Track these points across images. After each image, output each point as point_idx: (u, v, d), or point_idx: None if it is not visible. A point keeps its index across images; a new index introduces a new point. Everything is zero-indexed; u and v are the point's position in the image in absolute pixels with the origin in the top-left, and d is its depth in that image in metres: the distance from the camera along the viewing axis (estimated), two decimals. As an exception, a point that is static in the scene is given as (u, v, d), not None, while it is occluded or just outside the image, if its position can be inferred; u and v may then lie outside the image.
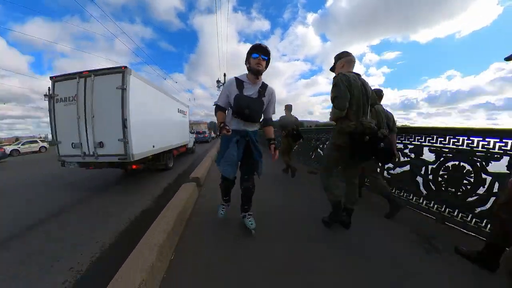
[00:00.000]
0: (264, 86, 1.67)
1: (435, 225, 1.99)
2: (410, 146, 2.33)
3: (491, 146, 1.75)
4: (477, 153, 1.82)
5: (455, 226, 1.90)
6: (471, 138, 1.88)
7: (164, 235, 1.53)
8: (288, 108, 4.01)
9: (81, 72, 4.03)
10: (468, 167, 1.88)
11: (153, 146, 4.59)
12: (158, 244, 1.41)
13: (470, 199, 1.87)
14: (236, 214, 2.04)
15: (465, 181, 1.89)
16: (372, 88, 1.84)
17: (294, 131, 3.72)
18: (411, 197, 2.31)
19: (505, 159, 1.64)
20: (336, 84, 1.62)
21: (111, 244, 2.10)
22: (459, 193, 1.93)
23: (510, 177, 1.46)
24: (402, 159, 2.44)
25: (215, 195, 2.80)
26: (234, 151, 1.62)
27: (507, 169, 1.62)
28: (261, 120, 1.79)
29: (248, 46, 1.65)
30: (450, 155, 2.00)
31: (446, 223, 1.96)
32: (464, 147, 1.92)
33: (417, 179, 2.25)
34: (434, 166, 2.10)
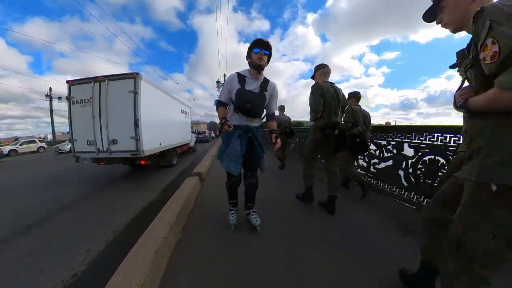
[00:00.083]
0: (266, 81, 1.62)
1: (415, 214, 2.13)
2: (392, 143, 2.55)
3: (461, 141, 1.95)
4: (449, 148, 2.02)
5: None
6: (444, 135, 2.09)
7: (168, 226, 1.63)
8: (281, 108, 4.47)
9: (96, 77, 4.35)
10: (442, 160, 2.08)
11: (160, 144, 4.92)
12: (167, 227, 1.58)
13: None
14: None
15: (440, 173, 2.09)
16: (355, 90, 2.28)
17: (287, 129, 4.07)
18: (394, 189, 2.51)
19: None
20: (312, 92, 2.00)
21: (123, 229, 2.32)
22: (435, 184, 2.13)
23: None
24: (386, 154, 2.65)
25: (215, 188, 3.02)
26: (237, 146, 1.57)
27: None
28: (263, 115, 1.75)
29: (248, 46, 1.61)
30: (427, 150, 2.20)
31: None
32: (439, 142, 2.12)
33: (399, 172, 2.45)
34: (413, 160, 2.31)
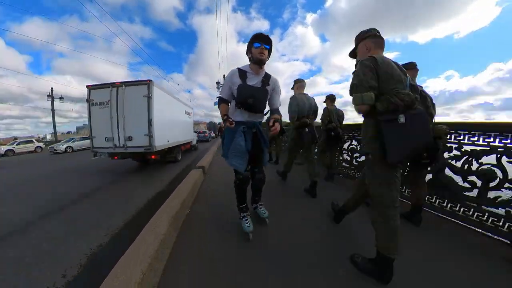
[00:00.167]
0: (267, 76, 1.57)
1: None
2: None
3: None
4: None
5: (403, 200, 2.28)
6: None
7: (177, 207, 1.88)
8: None
9: (114, 83, 4.96)
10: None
11: (168, 141, 5.51)
12: (174, 211, 1.80)
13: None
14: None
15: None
16: (331, 93, 3.15)
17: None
18: None
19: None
20: (290, 103, 2.52)
21: (138, 212, 2.81)
22: (405, 173, 2.36)
23: (440, 161, 1.88)
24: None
25: (217, 179, 3.53)
26: (241, 141, 1.50)
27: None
28: (266, 111, 1.70)
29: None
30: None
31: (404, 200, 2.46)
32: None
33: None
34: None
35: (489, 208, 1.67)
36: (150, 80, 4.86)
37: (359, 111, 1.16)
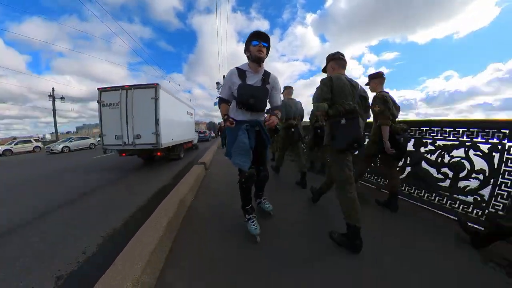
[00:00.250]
0: (267, 74, 1.53)
1: (375, 191, 2.54)
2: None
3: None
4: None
5: (384, 190, 2.49)
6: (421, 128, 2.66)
7: (183, 195, 2.08)
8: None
9: (123, 86, 5.24)
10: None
11: (172, 139, 5.79)
12: (180, 198, 2.03)
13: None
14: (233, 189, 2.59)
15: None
16: None
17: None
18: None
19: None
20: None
21: (149, 199, 3.10)
22: (378, 164, 2.63)
23: (416, 155, 2.14)
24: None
25: (217, 175, 3.77)
26: (245, 138, 1.44)
27: (413, 148, 2.27)
28: (267, 109, 1.67)
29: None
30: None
31: (382, 190, 2.53)
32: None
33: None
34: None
35: (459, 197, 1.84)
36: (157, 84, 5.14)
37: (316, 115, 1.51)
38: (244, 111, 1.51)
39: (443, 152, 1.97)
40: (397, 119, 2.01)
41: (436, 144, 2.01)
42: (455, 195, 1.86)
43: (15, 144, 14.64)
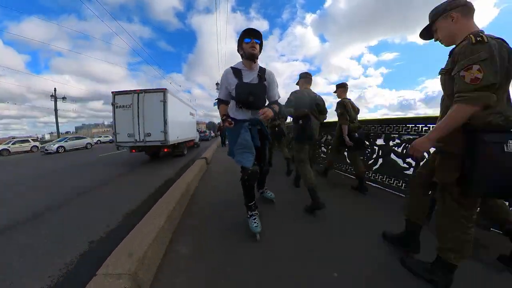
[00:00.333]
0: (262, 70, 1.50)
1: (352, 179, 2.82)
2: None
3: (377, 130, 2.72)
4: (371, 133, 2.80)
5: (350, 176, 2.97)
6: (375, 125, 3.02)
7: (182, 190, 2.17)
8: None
9: (135, 90, 5.69)
10: (367, 142, 2.83)
11: (177, 137, 6.25)
12: (187, 182, 2.49)
13: (370, 162, 2.81)
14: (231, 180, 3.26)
15: (366, 152, 2.88)
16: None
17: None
18: (339, 164, 3.53)
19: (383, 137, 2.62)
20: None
21: (157, 189, 3.45)
22: (362, 158, 2.96)
23: (386, 148, 2.48)
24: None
25: (216, 168, 4.13)
26: (247, 136, 1.43)
27: (383, 142, 2.64)
28: (266, 105, 1.61)
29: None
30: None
31: (351, 176, 2.80)
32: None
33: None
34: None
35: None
36: (165, 89, 5.64)
37: (288, 117, 1.95)
38: (244, 110, 1.49)
39: (407, 145, 2.30)
40: (384, 117, 2.45)
41: (402, 138, 2.35)
42: (417, 181, 2.18)
43: (12, 144, 14.04)
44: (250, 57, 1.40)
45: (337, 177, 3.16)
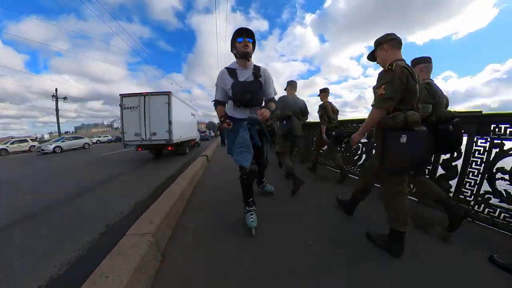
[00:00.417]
0: (257, 68, 1.50)
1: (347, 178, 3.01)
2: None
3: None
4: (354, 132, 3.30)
5: (352, 176, 3.01)
6: (353, 124, 3.23)
7: (188, 179, 2.54)
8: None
9: (141, 93, 6.00)
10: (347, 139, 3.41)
11: (180, 136, 6.57)
12: (193, 174, 2.87)
13: (355, 158, 3.07)
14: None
15: (352, 149, 3.14)
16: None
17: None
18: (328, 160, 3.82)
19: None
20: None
21: (163, 182, 3.71)
22: (349, 155, 3.21)
23: (368, 145, 2.76)
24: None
25: (216, 165, 4.41)
26: (246, 135, 1.42)
27: (366, 140, 2.88)
28: (263, 105, 1.62)
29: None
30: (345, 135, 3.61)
31: (350, 175, 2.99)
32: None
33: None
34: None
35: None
36: (170, 92, 5.99)
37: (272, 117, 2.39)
38: (242, 108, 1.49)
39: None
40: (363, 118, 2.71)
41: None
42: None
43: (10, 144, 13.88)
44: (243, 55, 1.41)
45: (327, 172, 3.44)
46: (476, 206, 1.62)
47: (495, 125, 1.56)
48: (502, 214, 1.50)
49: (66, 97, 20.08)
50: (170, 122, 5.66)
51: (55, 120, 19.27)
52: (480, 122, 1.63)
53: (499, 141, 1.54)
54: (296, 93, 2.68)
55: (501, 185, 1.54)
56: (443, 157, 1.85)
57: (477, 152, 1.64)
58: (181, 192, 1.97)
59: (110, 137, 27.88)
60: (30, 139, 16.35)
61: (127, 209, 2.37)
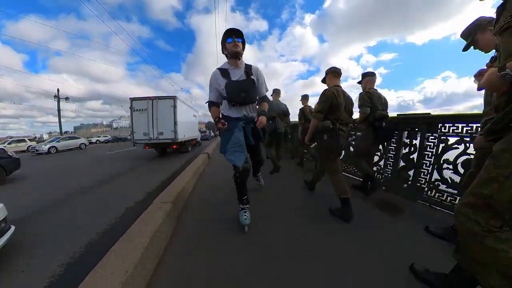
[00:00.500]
0: (248, 67, 1.51)
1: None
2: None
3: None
4: (351, 132, 3.36)
5: (347, 175, 3.24)
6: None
7: (191, 174, 2.80)
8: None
9: (149, 97, 6.45)
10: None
11: (184, 136, 7.04)
12: (197, 166, 3.28)
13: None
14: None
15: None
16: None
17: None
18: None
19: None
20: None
21: (168, 178, 4.08)
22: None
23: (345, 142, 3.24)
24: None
25: (216, 162, 4.72)
26: (241, 136, 1.43)
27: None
28: (259, 111, 1.59)
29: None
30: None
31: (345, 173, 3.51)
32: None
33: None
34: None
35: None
36: (175, 96, 6.46)
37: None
38: (237, 107, 1.49)
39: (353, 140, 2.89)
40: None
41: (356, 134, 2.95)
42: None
43: (8, 144, 13.32)
44: (234, 55, 1.42)
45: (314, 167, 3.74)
46: (429, 192, 1.91)
47: (441, 124, 1.87)
48: (448, 198, 1.79)
49: (68, 97, 19.25)
50: (175, 123, 6.15)
51: (54, 120, 18.65)
52: (430, 122, 1.93)
53: (445, 137, 1.84)
54: (296, 94, 3.16)
55: (447, 174, 1.84)
56: (404, 151, 2.16)
57: (428, 147, 1.94)
58: (192, 175, 2.49)
59: (109, 137, 27.96)
60: (29, 139, 15.92)
61: (140, 196, 2.76)
